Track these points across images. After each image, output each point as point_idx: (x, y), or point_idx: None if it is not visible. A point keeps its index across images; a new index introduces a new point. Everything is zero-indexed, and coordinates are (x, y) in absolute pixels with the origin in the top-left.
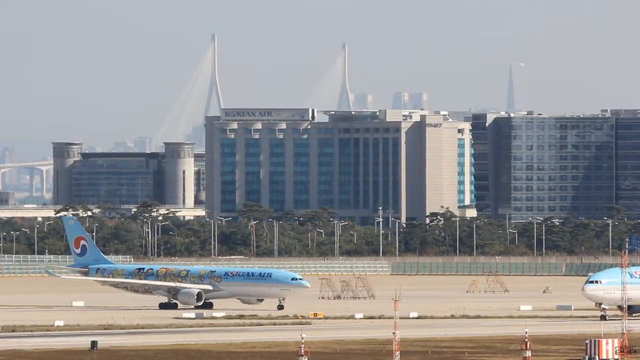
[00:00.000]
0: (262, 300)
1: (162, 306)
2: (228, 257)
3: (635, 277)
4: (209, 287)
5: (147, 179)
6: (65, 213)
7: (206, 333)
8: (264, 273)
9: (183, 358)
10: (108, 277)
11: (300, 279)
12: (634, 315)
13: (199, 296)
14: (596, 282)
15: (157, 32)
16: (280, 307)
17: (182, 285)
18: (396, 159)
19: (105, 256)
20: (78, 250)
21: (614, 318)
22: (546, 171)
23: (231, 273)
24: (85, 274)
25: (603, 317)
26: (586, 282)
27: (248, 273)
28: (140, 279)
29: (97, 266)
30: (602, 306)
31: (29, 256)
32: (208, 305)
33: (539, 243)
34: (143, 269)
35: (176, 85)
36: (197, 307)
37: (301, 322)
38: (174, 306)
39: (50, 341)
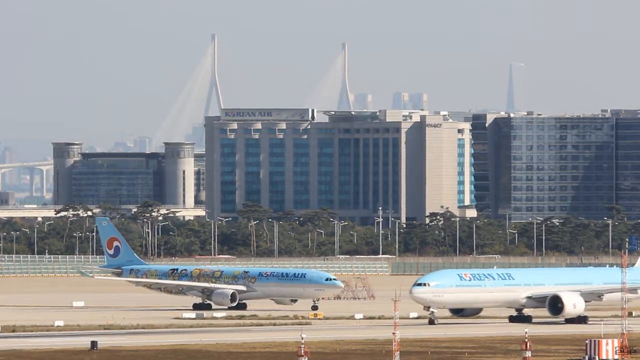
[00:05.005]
0: (295, 300)
1: (196, 307)
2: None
3: (465, 280)
4: (243, 288)
5: (147, 179)
6: (65, 213)
7: (206, 333)
8: (298, 273)
9: (183, 358)
10: (142, 277)
11: (334, 279)
12: (465, 318)
13: (233, 297)
14: (424, 284)
15: (157, 32)
16: (315, 308)
17: (216, 285)
18: (396, 159)
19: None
20: (111, 252)
21: (444, 323)
22: (546, 171)
23: (265, 274)
24: (119, 274)
25: (431, 322)
26: (414, 285)
27: (282, 273)
28: (174, 279)
29: (131, 267)
30: (431, 309)
31: (29, 256)
32: (242, 306)
33: (539, 243)
34: (177, 269)
35: (176, 85)
36: (230, 308)
37: (301, 322)
38: (207, 307)
39: (50, 341)
